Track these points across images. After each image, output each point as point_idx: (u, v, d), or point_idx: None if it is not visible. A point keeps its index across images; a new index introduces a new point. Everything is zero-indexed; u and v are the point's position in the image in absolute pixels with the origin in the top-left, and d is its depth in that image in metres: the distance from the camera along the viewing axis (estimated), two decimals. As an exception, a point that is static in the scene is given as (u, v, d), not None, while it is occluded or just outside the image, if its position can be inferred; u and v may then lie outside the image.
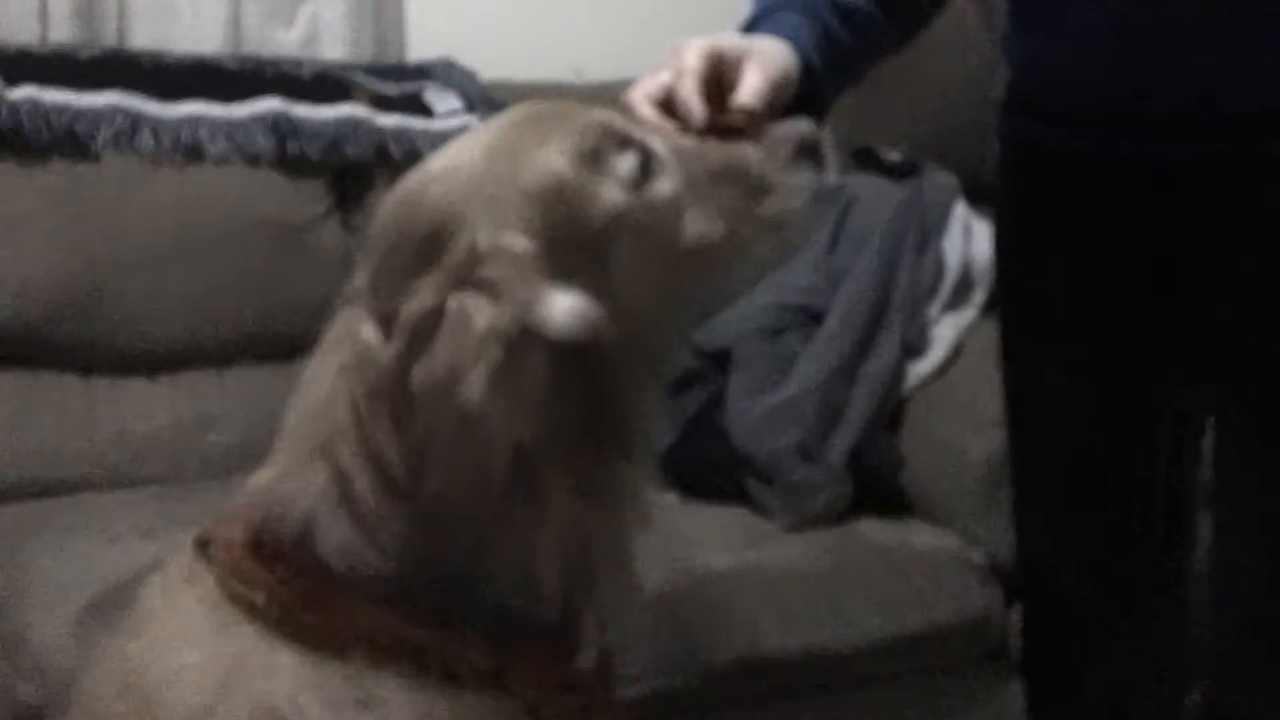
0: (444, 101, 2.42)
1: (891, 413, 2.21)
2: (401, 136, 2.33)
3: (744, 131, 1.10)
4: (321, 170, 2.30)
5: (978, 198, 2.64)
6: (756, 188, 1.08)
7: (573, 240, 0.96)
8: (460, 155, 0.99)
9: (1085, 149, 1.30)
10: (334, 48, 2.54)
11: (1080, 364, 1.37)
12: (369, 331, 0.95)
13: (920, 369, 2.24)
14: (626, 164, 1.00)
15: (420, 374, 0.90)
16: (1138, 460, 1.38)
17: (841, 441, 2.13)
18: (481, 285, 0.91)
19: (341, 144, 2.28)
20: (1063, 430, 1.40)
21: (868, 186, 2.42)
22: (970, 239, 2.35)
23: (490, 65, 2.53)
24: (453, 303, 0.91)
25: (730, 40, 1.12)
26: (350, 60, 2.53)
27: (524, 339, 0.90)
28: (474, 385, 0.88)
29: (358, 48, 2.56)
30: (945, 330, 2.27)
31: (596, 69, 2.46)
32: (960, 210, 2.40)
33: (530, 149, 0.98)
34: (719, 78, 1.09)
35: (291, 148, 2.26)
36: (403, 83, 2.45)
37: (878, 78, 2.89)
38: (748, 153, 1.09)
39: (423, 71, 2.51)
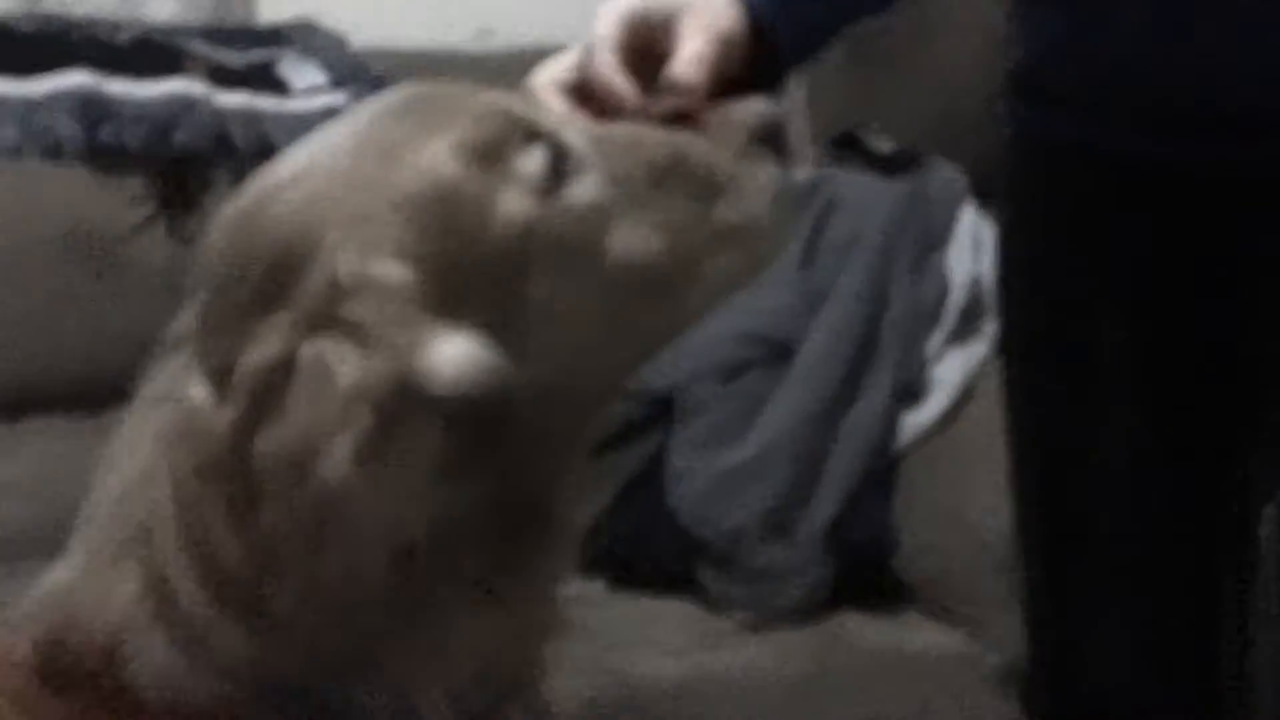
0: (303, 75, 2.42)
1: (883, 474, 2.21)
2: (248, 120, 2.33)
3: (683, 116, 1.09)
4: (143, 165, 2.29)
5: (992, 199, 2.66)
6: (705, 187, 1.07)
7: (466, 265, 0.94)
8: (316, 156, 0.97)
9: (1148, 152, 1.30)
10: (162, 4, 2.53)
11: (1122, 416, 1.37)
12: (198, 389, 0.92)
13: (919, 418, 2.25)
14: (534, 162, 0.98)
15: (266, 446, 0.88)
16: (1194, 541, 1.39)
17: (819, 513, 2.13)
18: (345, 328, 0.89)
19: (169, 130, 2.28)
20: (1101, 500, 1.41)
21: (852, 184, 2.43)
22: (981, 252, 2.35)
23: (365, 27, 2.53)
24: (307, 351, 0.88)
25: None
26: (182, 21, 2.51)
27: (403, 398, 0.88)
28: (337, 461, 0.86)
29: (192, 5, 2.54)
30: (949, 369, 2.28)
31: (506, 31, 2.47)
32: (969, 216, 2.41)
33: (407, 146, 0.96)
34: (646, 47, 1.09)
35: (104, 135, 2.26)
36: (250, 50, 2.44)
37: (866, 46, 2.99)
38: (691, 143, 1.08)
39: (276, 36, 2.50)
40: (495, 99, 1.02)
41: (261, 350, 0.89)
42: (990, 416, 2.18)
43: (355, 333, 0.89)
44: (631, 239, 1.02)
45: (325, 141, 0.99)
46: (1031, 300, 1.44)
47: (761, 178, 1.09)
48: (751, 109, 1.11)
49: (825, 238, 2.35)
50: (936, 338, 2.31)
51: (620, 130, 1.08)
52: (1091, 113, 1.32)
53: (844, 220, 2.36)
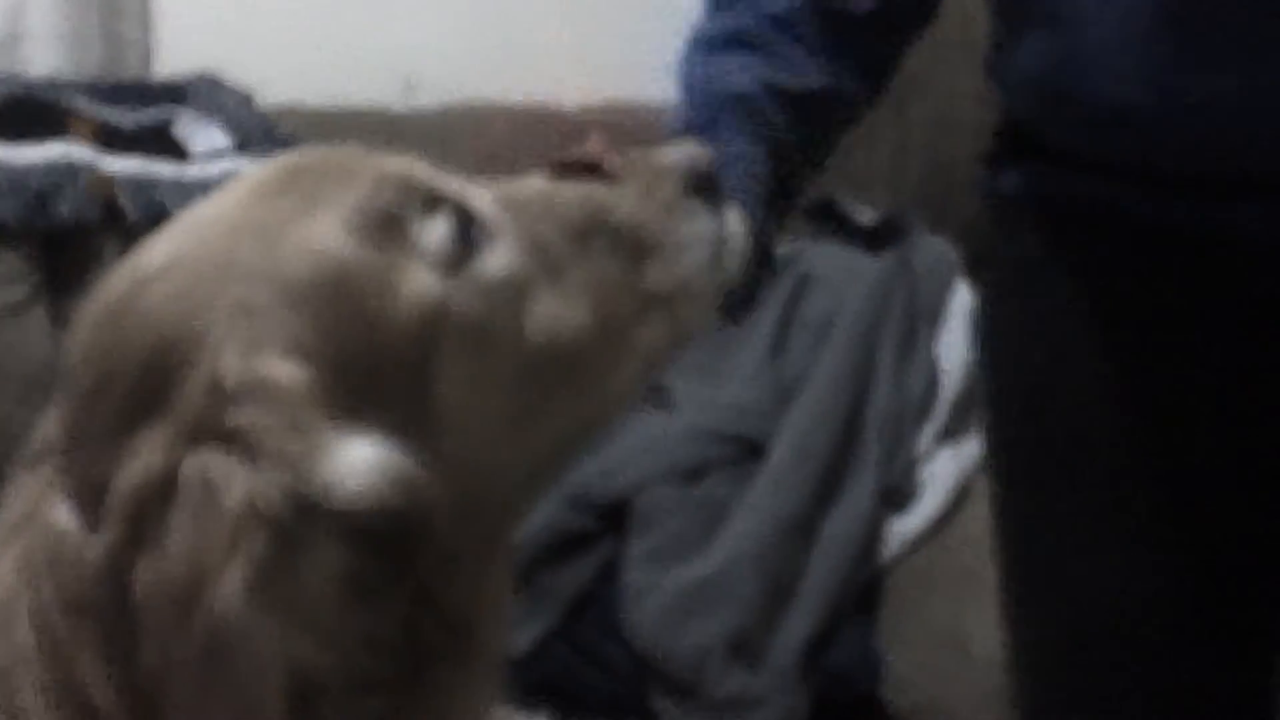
0: (203, 136, 2.43)
1: (866, 589, 2.21)
2: (140, 188, 2.33)
3: (600, 170, 1.10)
4: (21, 238, 2.29)
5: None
6: (631, 247, 1.08)
7: (367, 357, 0.93)
8: (190, 238, 0.96)
9: (1159, 216, 1.30)
10: (44, 55, 2.54)
11: (1131, 525, 1.37)
12: (64, 514, 0.91)
13: (906, 525, 2.25)
14: (437, 231, 0.99)
15: (145, 578, 0.86)
16: (1220, 668, 1.38)
17: (793, 634, 2.12)
18: (232, 438, 0.88)
19: (49, 200, 2.27)
20: (1101, 622, 1.40)
21: (829, 258, 2.45)
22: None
23: (273, 83, 2.55)
24: (189, 467, 0.87)
25: None
26: (67, 75, 2.52)
27: (300, 516, 0.87)
28: (227, 592, 0.84)
29: (79, 55, 2.56)
30: (941, 468, 2.29)
31: (431, 86, 2.48)
32: (962, 293, 2.42)
33: (292, 223, 0.96)
34: None
35: (-25, 205, 2.24)
36: (143, 108, 2.45)
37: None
38: (613, 197, 1.08)
39: (174, 92, 2.51)
40: (389, 162, 1.02)
41: (139, 466, 0.88)
42: (987, 522, 2.20)
43: (243, 443, 0.88)
44: (552, 312, 1.02)
45: (200, 221, 0.98)
46: (1015, 389, 1.44)
47: (694, 231, 1.09)
48: (679, 155, 1.12)
49: (798, 320, 2.36)
50: (926, 433, 2.32)
51: (533, 188, 1.08)
52: (1083, 166, 1.32)
53: (820, 299, 2.37)
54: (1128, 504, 1.36)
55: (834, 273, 2.41)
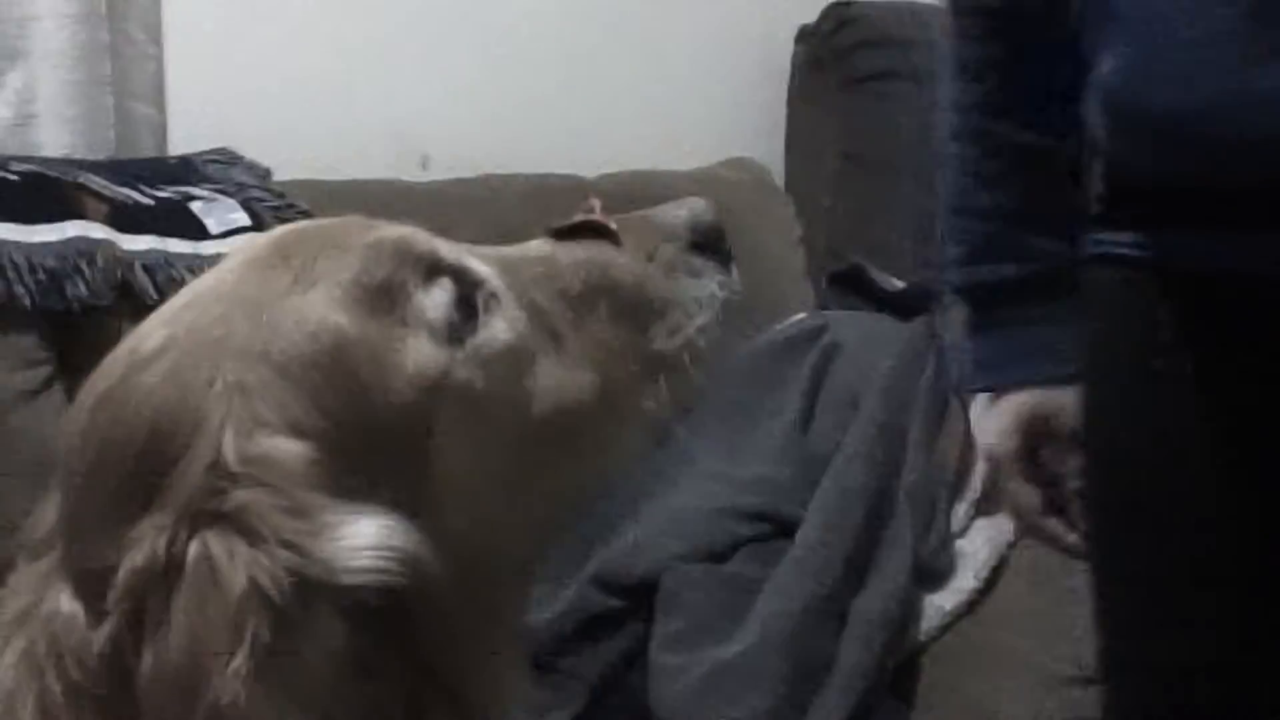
0: (222, 214, 2.43)
1: (900, 669, 2.19)
2: (157, 267, 2.32)
3: (599, 231, 1.10)
4: (36, 321, 2.28)
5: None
6: (638, 308, 1.08)
7: (367, 433, 0.94)
8: (185, 317, 0.96)
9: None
10: (56, 135, 2.55)
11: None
12: (67, 603, 0.91)
13: (941, 601, 2.23)
14: (438, 300, 0.99)
15: (149, 666, 0.87)
16: None
17: (825, 716, 2.10)
18: (233, 520, 0.88)
19: (67, 280, 2.27)
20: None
21: (856, 327, 2.45)
22: (1010, 404, 2.36)
23: (288, 159, 2.56)
24: (191, 552, 0.87)
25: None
26: (81, 154, 2.53)
27: (302, 597, 0.87)
28: (230, 678, 0.84)
29: (92, 135, 2.57)
30: (977, 543, 2.27)
31: (446, 159, 2.49)
32: (994, 361, 2.40)
33: (288, 297, 0.96)
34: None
35: (-8, 287, 2.25)
36: (159, 186, 2.45)
37: (868, 160, 3.01)
38: (614, 260, 1.09)
39: (190, 169, 2.52)
40: (386, 231, 1.01)
41: (140, 553, 0.88)
42: (1026, 598, 2.18)
43: (244, 525, 0.88)
44: (555, 380, 1.02)
45: (194, 298, 0.98)
46: (1124, 457, 1.41)
47: (697, 290, 1.10)
48: (681, 210, 1.12)
49: (826, 391, 2.36)
50: (961, 507, 2.30)
51: (534, 253, 1.08)
52: (1192, 218, 1.30)
53: (848, 369, 2.37)
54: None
55: (862, 342, 2.41)
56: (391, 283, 0.98)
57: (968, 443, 2.31)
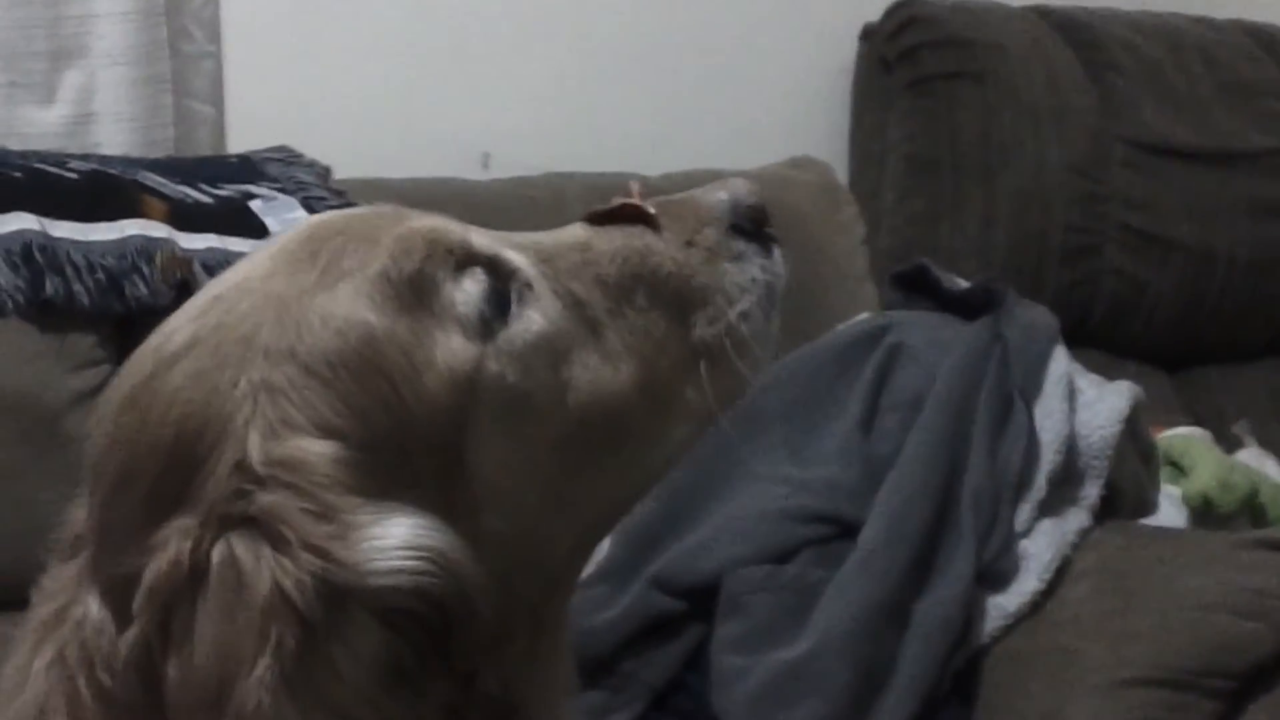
0: (282, 213, 2.44)
1: (963, 672, 2.18)
2: (217, 268, 2.30)
3: (638, 216, 1.09)
4: (94, 322, 2.30)
5: (1085, 344, 2.67)
6: (678, 295, 1.07)
7: (399, 432, 0.93)
8: (212, 315, 0.96)
9: None
10: (115, 133, 2.58)
11: None
12: (94, 608, 0.91)
13: (1006, 604, 2.22)
14: (469, 292, 0.98)
15: (175, 673, 0.87)
16: None
17: (888, 718, 2.10)
18: (260, 524, 0.88)
19: (124, 281, 2.29)
20: None
21: (920, 328, 2.44)
22: (1076, 406, 2.36)
23: (350, 157, 2.58)
24: (217, 556, 0.87)
25: None
26: (140, 153, 2.55)
27: (332, 601, 0.86)
28: (256, 686, 0.84)
29: (151, 132, 2.60)
30: (1041, 544, 2.26)
31: (507, 159, 2.50)
32: (1060, 362, 2.41)
33: (316, 293, 0.95)
34: None
35: (50, 288, 2.26)
36: (219, 185, 2.46)
37: (933, 161, 3.03)
38: (655, 245, 1.08)
39: (250, 168, 2.54)
40: (416, 222, 1.01)
41: (164, 559, 0.88)
42: (1091, 600, 2.18)
43: (271, 528, 0.87)
44: (594, 372, 1.01)
45: (221, 295, 0.97)
46: None
47: (743, 277, 1.09)
48: (724, 192, 1.11)
49: (889, 392, 2.35)
50: (1026, 508, 2.29)
51: (570, 240, 1.07)
52: None
53: (911, 371, 2.36)
54: None
55: (926, 343, 2.40)
56: (421, 276, 0.97)
57: (1031, 443, 2.32)
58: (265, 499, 0.88)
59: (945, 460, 2.27)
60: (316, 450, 0.90)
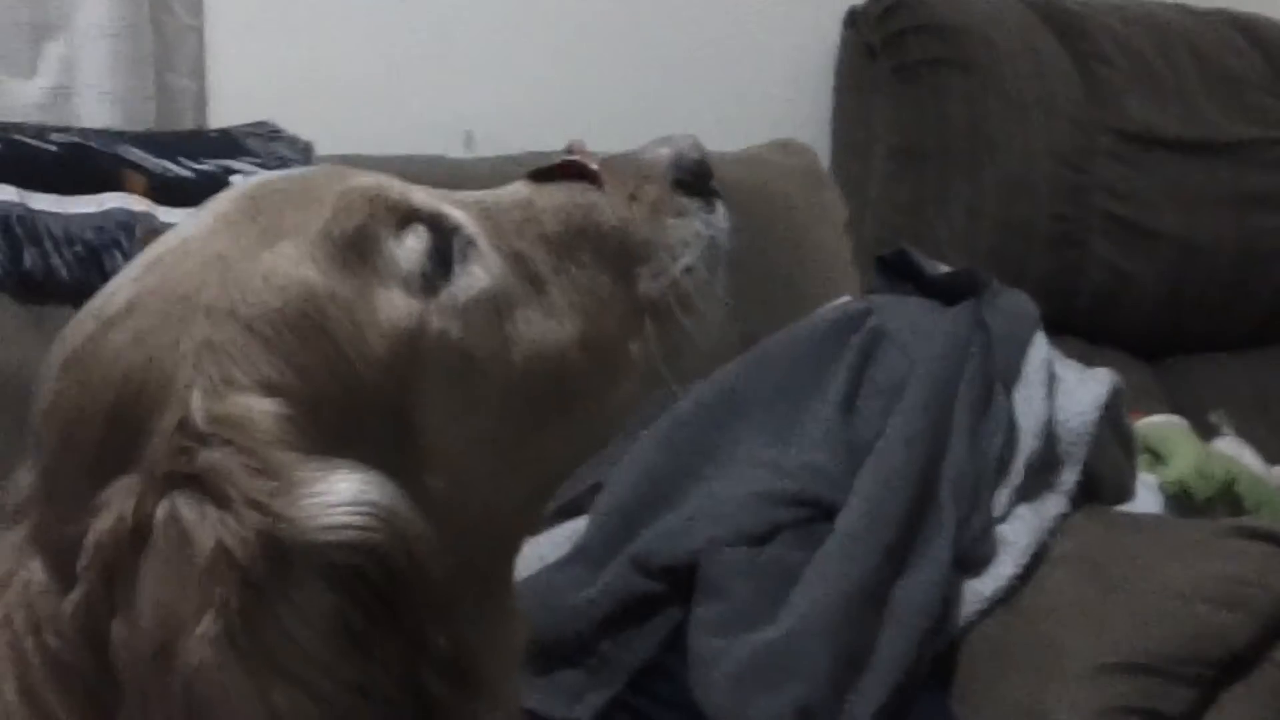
0: (262, 188, 2.43)
1: (941, 657, 2.19)
2: (197, 242, 2.32)
3: (581, 173, 1.09)
4: (73, 295, 2.26)
5: (1067, 332, 2.68)
6: (622, 252, 1.07)
7: (342, 388, 0.93)
8: (153, 275, 0.96)
9: None
10: (96, 107, 2.57)
11: None
12: (40, 571, 0.92)
13: (983, 588, 2.22)
14: (410, 249, 0.98)
15: (120, 633, 0.86)
16: None
17: (865, 703, 2.09)
18: (202, 483, 0.88)
19: (104, 254, 2.29)
20: None
21: (901, 313, 2.44)
22: (1056, 392, 2.36)
23: (333, 134, 2.57)
24: (161, 513, 0.87)
25: None
26: (121, 127, 2.55)
27: (277, 559, 0.86)
28: (200, 645, 0.84)
29: (132, 108, 2.59)
30: (1020, 530, 2.26)
31: (491, 137, 2.50)
32: (1040, 349, 2.41)
33: (257, 252, 0.95)
34: None
35: (29, 261, 2.27)
36: (200, 160, 2.46)
37: (918, 149, 3.03)
38: (599, 201, 1.08)
39: (231, 143, 2.53)
40: (357, 180, 1.01)
41: (107, 520, 0.88)
42: (1068, 586, 2.18)
43: (214, 487, 0.87)
44: (539, 328, 1.02)
45: (162, 256, 0.97)
46: None
47: (685, 231, 1.09)
48: (665, 149, 1.11)
49: (870, 376, 2.35)
50: (1004, 493, 2.29)
51: (514, 197, 1.08)
52: None
53: (892, 355, 2.37)
54: None
55: (908, 328, 2.40)
56: (363, 233, 0.97)
57: (1010, 428, 2.33)
58: (208, 457, 0.88)
59: (925, 445, 2.27)
60: (259, 408, 0.90)
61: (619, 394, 1.08)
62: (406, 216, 0.99)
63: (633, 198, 1.09)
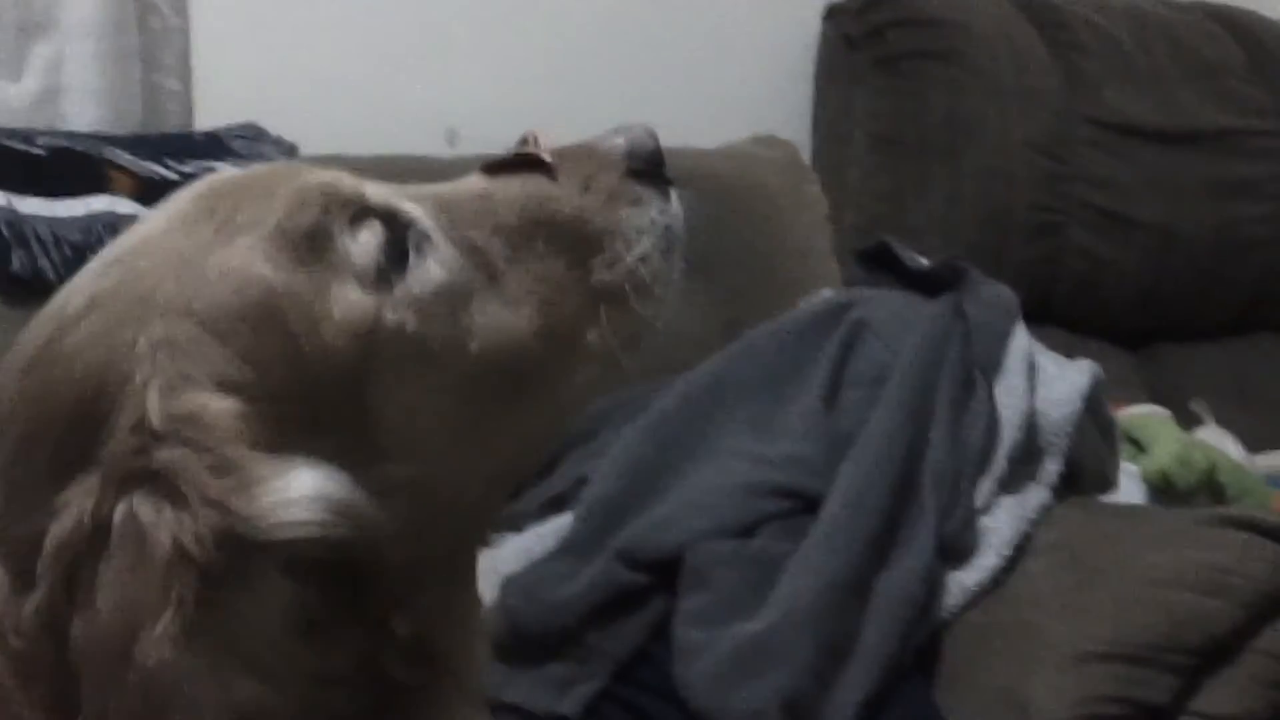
0: (248, 188, 2.43)
1: (924, 647, 2.19)
2: (183, 242, 2.32)
3: (536, 164, 1.10)
4: (62, 296, 2.29)
5: (1046, 321, 2.68)
6: (578, 241, 1.07)
7: (299, 384, 0.93)
8: (109, 276, 0.96)
9: None
10: (83, 107, 2.57)
11: None
12: (1, 572, 0.91)
13: (966, 579, 2.23)
14: (365, 244, 0.99)
15: (81, 632, 0.87)
16: None
17: (849, 692, 2.10)
18: (160, 480, 0.88)
19: (89, 255, 2.23)
20: None
21: (883, 304, 2.45)
22: (1037, 383, 2.37)
23: (315, 135, 2.58)
24: (120, 513, 0.87)
25: None
26: (107, 129, 2.55)
27: (235, 554, 0.87)
28: (158, 640, 0.84)
29: (119, 109, 2.59)
30: (1002, 520, 2.27)
31: (474, 136, 2.50)
32: (1020, 340, 2.42)
33: (213, 249, 0.95)
34: None
35: (17, 263, 2.28)
36: (186, 161, 2.47)
37: (898, 140, 3.04)
38: (553, 191, 1.08)
39: (217, 144, 2.54)
40: (312, 176, 1.01)
41: (67, 520, 0.88)
42: (1050, 575, 2.19)
43: (171, 485, 0.88)
44: (495, 319, 1.02)
45: (119, 255, 0.98)
46: None
47: (640, 219, 1.10)
48: (616, 139, 1.12)
49: (852, 368, 2.36)
50: (986, 484, 2.30)
51: (468, 190, 1.08)
52: None
53: (874, 347, 2.37)
54: None
55: (889, 320, 2.40)
56: (317, 229, 0.97)
57: (991, 420, 2.33)
58: (166, 455, 0.88)
59: (907, 436, 2.28)
60: (216, 405, 0.90)
61: (577, 381, 1.08)
62: (361, 212, 1.00)
63: (587, 187, 1.10)
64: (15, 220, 2.28)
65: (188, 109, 2.69)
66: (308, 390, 0.94)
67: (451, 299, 1.00)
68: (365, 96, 2.75)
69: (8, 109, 2.54)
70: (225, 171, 1.05)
